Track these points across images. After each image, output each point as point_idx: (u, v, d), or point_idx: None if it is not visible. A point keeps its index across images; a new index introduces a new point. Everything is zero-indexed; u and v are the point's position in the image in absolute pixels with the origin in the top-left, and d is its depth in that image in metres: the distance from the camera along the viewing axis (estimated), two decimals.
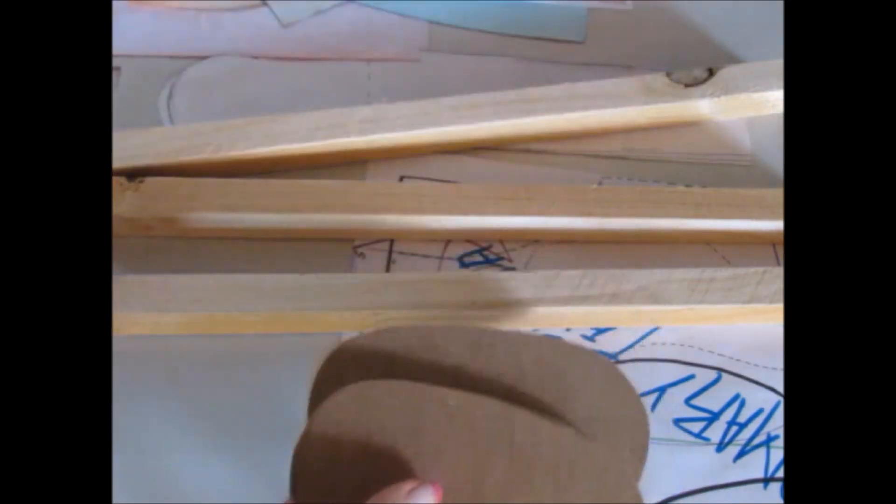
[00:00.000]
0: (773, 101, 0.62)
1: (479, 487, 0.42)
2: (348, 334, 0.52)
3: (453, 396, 0.43)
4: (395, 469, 0.42)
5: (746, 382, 0.52)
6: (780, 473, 0.49)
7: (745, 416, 0.51)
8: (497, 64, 0.65)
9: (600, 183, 0.59)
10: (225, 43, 0.65)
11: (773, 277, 0.53)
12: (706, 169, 0.60)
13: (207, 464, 0.48)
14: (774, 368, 0.52)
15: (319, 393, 0.44)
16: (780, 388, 0.52)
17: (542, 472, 0.42)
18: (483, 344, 0.45)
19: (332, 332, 0.53)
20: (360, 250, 0.56)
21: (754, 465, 0.49)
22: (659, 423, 0.49)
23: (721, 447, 0.50)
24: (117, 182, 0.55)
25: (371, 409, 0.42)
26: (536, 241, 0.57)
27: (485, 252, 0.56)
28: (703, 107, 0.61)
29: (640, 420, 0.44)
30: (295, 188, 0.55)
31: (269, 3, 0.67)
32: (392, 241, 0.56)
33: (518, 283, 0.52)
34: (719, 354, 0.53)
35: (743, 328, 0.53)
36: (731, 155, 0.61)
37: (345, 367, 0.45)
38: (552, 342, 0.46)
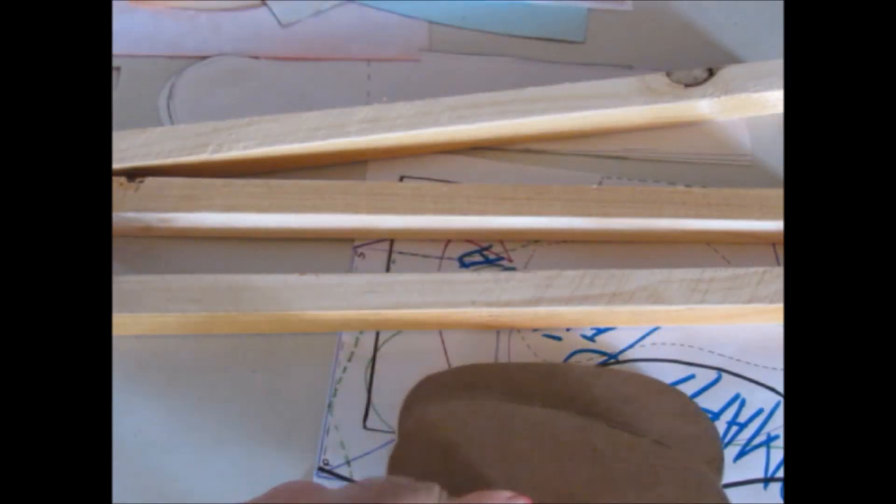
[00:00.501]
0: (773, 101, 0.62)
1: (565, 493, 0.43)
2: (348, 334, 0.53)
3: (535, 412, 0.45)
4: (483, 478, 0.43)
5: (746, 382, 0.52)
6: (780, 473, 0.49)
7: (745, 416, 0.51)
8: (497, 64, 0.65)
9: (600, 183, 0.59)
10: (225, 43, 0.65)
11: (773, 277, 0.53)
12: (706, 169, 0.60)
13: (207, 464, 0.48)
14: (774, 368, 0.52)
15: (408, 414, 0.48)
16: (780, 388, 0.52)
17: (624, 476, 0.43)
18: (556, 374, 0.48)
19: (332, 332, 0.53)
20: (360, 250, 0.56)
21: (754, 465, 0.49)
22: None
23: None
24: (117, 182, 0.55)
25: (460, 423, 0.45)
26: (536, 241, 0.57)
27: (485, 252, 0.56)
28: (703, 107, 0.61)
29: (713, 436, 0.46)
30: (295, 188, 0.55)
31: (269, 3, 0.67)
32: (392, 241, 0.56)
33: (518, 283, 0.52)
34: (719, 354, 0.53)
35: (743, 328, 0.53)
36: (731, 155, 0.61)
37: (430, 395, 0.48)
38: (622, 373, 0.49)
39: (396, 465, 0.45)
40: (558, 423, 0.45)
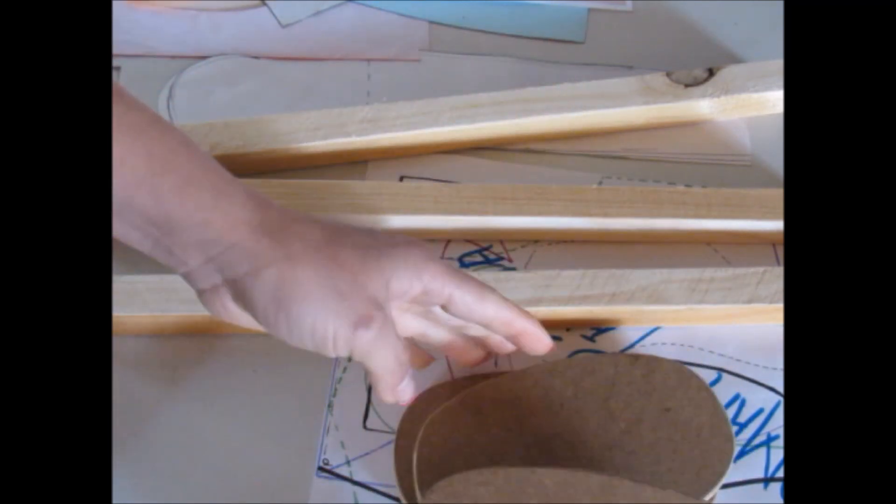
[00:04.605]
0: (773, 101, 0.62)
1: None
2: None
3: (550, 476, 0.41)
4: None
5: (746, 382, 0.52)
6: (780, 473, 0.49)
7: (746, 416, 0.51)
8: (497, 64, 0.65)
9: (600, 183, 0.59)
10: (225, 43, 0.65)
11: (773, 277, 0.53)
12: (706, 169, 0.60)
13: (207, 464, 0.48)
14: (774, 368, 0.52)
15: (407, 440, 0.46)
16: (780, 388, 0.52)
17: None
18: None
19: None
20: None
21: (754, 465, 0.49)
22: None
23: None
24: None
25: (471, 498, 0.41)
26: (536, 241, 0.57)
27: (485, 252, 0.56)
28: (703, 107, 0.61)
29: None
30: (295, 188, 0.55)
31: (269, 3, 0.67)
32: None
33: (518, 283, 0.52)
34: (719, 354, 0.53)
35: (743, 328, 0.53)
36: (731, 155, 0.61)
37: (435, 428, 0.46)
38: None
39: None
40: (577, 487, 0.41)
